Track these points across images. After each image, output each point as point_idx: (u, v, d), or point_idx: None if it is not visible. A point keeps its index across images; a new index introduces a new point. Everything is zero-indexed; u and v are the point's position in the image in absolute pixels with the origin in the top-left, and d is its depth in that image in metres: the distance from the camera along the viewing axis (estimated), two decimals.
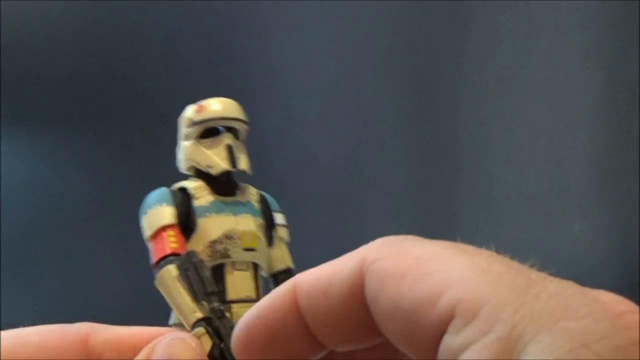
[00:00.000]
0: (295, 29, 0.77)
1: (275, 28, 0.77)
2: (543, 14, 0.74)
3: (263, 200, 0.34)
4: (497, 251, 0.22)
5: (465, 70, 0.76)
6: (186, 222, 0.32)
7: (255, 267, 0.32)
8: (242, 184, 0.34)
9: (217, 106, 0.33)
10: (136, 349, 0.26)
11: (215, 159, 0.32)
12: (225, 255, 0.31)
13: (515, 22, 0.75)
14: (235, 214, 0.32)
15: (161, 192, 0.34)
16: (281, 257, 0.33)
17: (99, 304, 0.78)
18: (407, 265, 0.20)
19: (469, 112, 0.77)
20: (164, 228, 0.32)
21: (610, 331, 0.17)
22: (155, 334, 0.27)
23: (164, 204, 0.33)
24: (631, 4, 0.72)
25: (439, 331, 0.19)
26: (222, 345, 0.28)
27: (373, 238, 0.23)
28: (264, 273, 0.33)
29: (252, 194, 0.34)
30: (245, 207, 0.33)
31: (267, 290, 0.33)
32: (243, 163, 0.33)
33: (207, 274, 0.30)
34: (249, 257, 0.32)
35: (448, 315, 0.18)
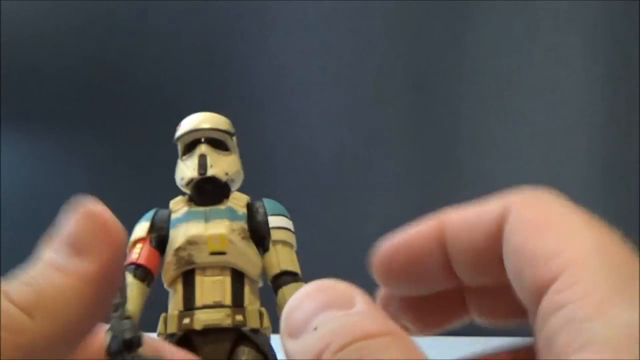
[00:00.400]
0: (296, 29, 0.77)
1: (276, 28, 0.77)
2: (543, 14, 0.74)
3: (253, 205, 0.34)
4: None
5: (465, 70, 0.76)
6: (166, 236, 0.33)
7: (235, 272, 0.32)
8: (237, 193, 0.34)
9: (189, 120, 0.35)
10: None
11: (186, 170, 0.33)
12: (190, 261, 0.32)
13: (515, 22, 0.75)
14: (207, 220, 0.33)
15: (151, 211, 0.35)
16: (276, 260, 0.32)
17: None
18: (543, 218, 0.23)
19: (469, 111, 0.77)
20: (135, 241, 0.33)
21: None
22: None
23: (144, 220, 0.34)
24: (631, 4, 0.72)
25: (544, 286, 0.21)
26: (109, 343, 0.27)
27: (373, 236, 0.24)
28: (255, 278, 0.33)
29: (240, 199, 0.34)
30: (222, 212, 0.33)
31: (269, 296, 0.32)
32: (215, 169, 0.33)
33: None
34: (217, 261, 0.32)
35: (555, 275, 0.21)
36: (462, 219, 0.26)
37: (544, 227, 0.23)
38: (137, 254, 0.33)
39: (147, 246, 0.33)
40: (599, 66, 0.74)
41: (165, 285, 0.33)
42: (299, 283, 0.32)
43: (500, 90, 0.76)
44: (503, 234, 0.24)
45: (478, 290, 0.26)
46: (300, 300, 0.22)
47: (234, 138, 0.34)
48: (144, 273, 0.33)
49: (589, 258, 0.22)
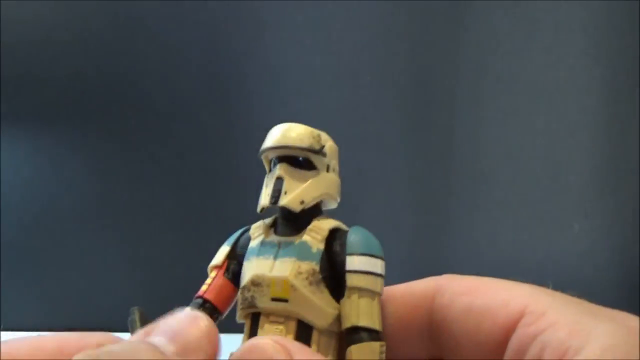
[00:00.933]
0: (295, 29, 0.77)
1: (275, 28, 0.77)
2: (543, 14, 0.74)
3: (334, 238, 0.28)
4: (498, 251, 0.26)
5: (465, 70, 0.76)
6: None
7: (302, 321, 0.27)
8: (321, 220, 0.29)
9: (272, 133, 0.29)
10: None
11: (262, 194, 0.29)
12: (252, 304, 0.27)
13: (515, 22, 0.75)
14: (276, 257, 0.28)
15: (239, 231, 0.30)
16: (348, 312, 0.27)
17: (99, 304, 0.78)
18: (476, 284, 0.25)
19: (469, 112, 0.77)
20: (211, 268, 0.30)
21: None
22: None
23: (226, 244, 0.30)
24: (631, 4, 0.72)
25: (510, 327, 0.23)
26: None
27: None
28: (325, 329, 0.27)
29: (320, 229, 0.28)
30: (293, 248, 0.28)
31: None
32: (288, 197, 0.28)
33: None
34: (278, 309, 0.27)
35: (518, 314, 0.23)
36: (393, 295, 0.27)
37: (483, 288, 0.25)
38: (207, 284, 0.29)
39: (219, 277, 0.29)
40: (599, 66, 0.74)
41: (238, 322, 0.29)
42: (371, 343, 0.26)
43: (500, 91, 0.76)
44: (434, 309, 0.26)
45: None
46: None
47: (327, 151, 0.29)
48: (210, 310, 0.29)
49: (540, 296, 0.23)
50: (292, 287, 0.27)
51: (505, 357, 0.23)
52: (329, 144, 0.29)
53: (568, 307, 0.22)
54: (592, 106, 0.75)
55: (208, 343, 0.23)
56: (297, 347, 0.25)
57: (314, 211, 0.29)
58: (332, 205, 0.30)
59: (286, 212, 0.28)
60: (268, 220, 0.29)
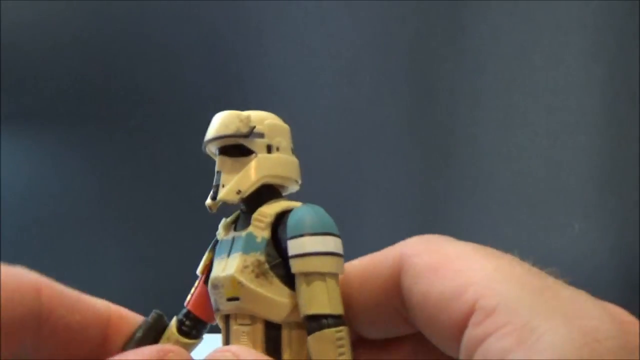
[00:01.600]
0: (295, 28, 0.77)
1: (275, 28, 0.77)
2: (543, 14, 0.74)
3: (278, 225, 0.26)
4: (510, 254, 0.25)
5: (465, 70, 0.76)
6: None
7: (268, 322, 0.25)
8: (267, 206, 0.26)
9: (209, 129, 0.28)
10: (87, 313, 0.26)
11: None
12: (217, 308, 0.26)
13: (515, 22, 0.75)
14: (229, 254, 0.26)
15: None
16: (300, 301, 0.25)
17: None
18: (439, 262, 0.23)
19: (469, 111, 0.77)
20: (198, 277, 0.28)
21: (618, 333, 0.19)
22: (103, 306, 0.27)
23: (208, 249, 0.28)
24: (631, 4, 0.72)
25: (462, 322, 0.21)
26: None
27: (372, 238, 0.24)
28: (284, 322, 0.25)
29: (265, 216, 0.26)
30: (240, 242, 0.26)
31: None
32: (225, 191, 0.26)
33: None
34: (236, 309, 0.25)
35: (470, 309, 0.21)
36: (353, 274, 0.26)
37: (443, 269, 0.23)
38: (191, 294, 0.28)
39: (201, 284, 0.28)
40: (599, 66, 0.74)
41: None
42: (324, 331, 0.24)
43: (501, 91, 0.76)
44: (401, 283, 0.24)
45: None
46: None
47: (264, 130, 0.27)
48: (194, 321, 0.28)
49: (497, 284, 0.21)
50: (240, 284, 0.25)
51: (459, 356, 0.22)
52: (267, 122, 0.27)
53: (522, 301, 0.20)
54: (592, 106, 0.75)
55: None
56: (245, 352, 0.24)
57: (266, 198, 0.27)
58: (293, 186, 0.28)
59: (241, 205, 0.27)
60: (230, 218, 0.28)
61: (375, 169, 0.78)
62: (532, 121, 0.76)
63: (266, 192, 0.27)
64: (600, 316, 0.20)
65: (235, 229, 0.27)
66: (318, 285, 0.24)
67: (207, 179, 0.27)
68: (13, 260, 0.25)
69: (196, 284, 0.28)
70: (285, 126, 0.28)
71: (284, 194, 0.28)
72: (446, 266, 0.23)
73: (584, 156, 0.76)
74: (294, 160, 0.28)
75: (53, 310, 0.26)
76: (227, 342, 0.26)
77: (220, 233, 0.27)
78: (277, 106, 0.86)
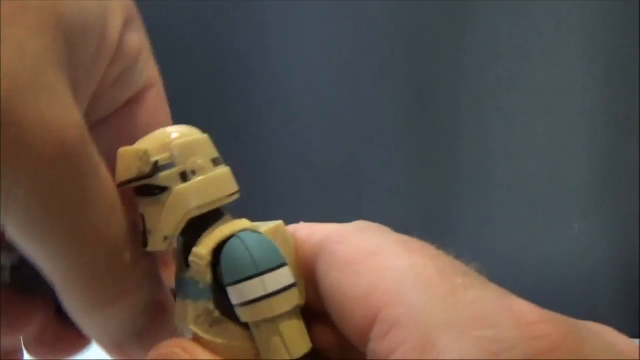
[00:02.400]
0: (295, 28, 0.77)
1: (275, 27, 0.77)
2: (543, 14, 0.74)
3: (217, 263, 0.23)
4: (498, 251, 0.24)
5: (465, 70, 0.76)
6: None
7: None
8: (207, 236, 0.23)
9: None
10: None
11: None
12: None
13: (515, 22, 0.75)
14: (184, 298, 0.23)
15: None
16: (261, 351, 0.22)
17: None
18: (355, 256, 0.22)
19: (469, 111, 0.77)
20: None
21: (519, 340, 0.18)
22: None
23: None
24: (631, 4, 0.72)
25: (366, 330, 0.20)
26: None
27: None
28: None
29: (201, 258, 0.23)
30: (187, 286, 0.23)
31: None
32: (152, 239, 0.23)
33: None
34: None
35: (373, 318, 0.20)
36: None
37: (357, 264, 0.21)
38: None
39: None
40: (599, 66, 0.74)
41: None
42: None
43: (501, 91, 0.76)
44: (317, 267, 0.23)
45: None
46: None
47: (176, 154, 0.23)
48: None
49: (403, 288, 0.20)
50: (199, 338, 0.23)
51: None
52: (174, 144, 0.23)
53: (425, 310, 0.19)
54: (592, 106, 0.75)
55: None
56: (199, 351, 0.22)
57: (205, 225, 0.23)
58: (229, 200, 0.24)
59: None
60: (179, 249, 0.24)
61: (375, 169, 0.78)
62: (532, 121, 0.76)
63: (200, 222, 0.23)
64: (501, 322, 0.18)
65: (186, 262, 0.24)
66: (271, 332, 0.22)
67: None
68: None
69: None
70: (200, 137, 0.24)
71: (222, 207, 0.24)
72: (361, 261, 0.21)
73: (584, 156, 0.76)
74: (219, 174, 0.24)
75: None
76: None
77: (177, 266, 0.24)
78: (277, 105, 0.86)
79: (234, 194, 0.24)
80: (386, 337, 0.19)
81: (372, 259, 0.21)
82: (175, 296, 0.24)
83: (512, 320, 0.18)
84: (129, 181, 0.23)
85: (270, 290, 0.22)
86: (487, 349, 0.18)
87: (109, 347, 0.24)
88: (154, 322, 0.24)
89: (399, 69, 0.77)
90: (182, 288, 0.23)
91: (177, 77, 0.79)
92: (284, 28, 0.77)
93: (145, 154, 0.23)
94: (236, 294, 0.22)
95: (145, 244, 0.23)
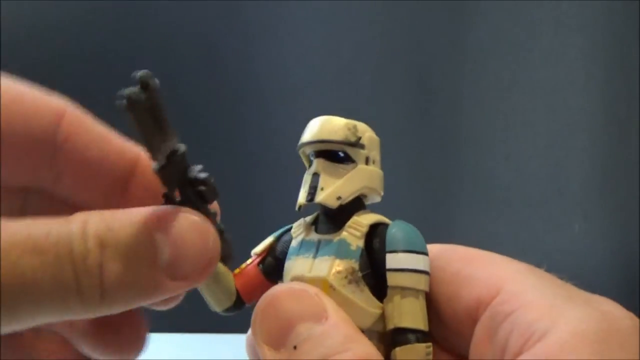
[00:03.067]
0: (296, 28, 0.77)
1: (275, 27, 0.77)
2: (543, 14, 0.74)
3: (374, 234, 0.27)
4: (498, 251, 0.26)
5: (466, 70, 0.76)
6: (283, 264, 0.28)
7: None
8: (362, 215, 0.27)
9: (307, 130, 0.28)
10: (109, 152, 0.25)
11: (301, 192, 0.28)
12: None
13: (515, 22, 0.75)
14: (315, 256, 0.26)
15: (285, 227, 0.29)
16: (391, 313, 0.25)
17: None
18: (472, 255, 0.26)
19: (469, 112, 0.77)
20: (253, 254, 0.29)
21: (631, 320, 0.22)
22: (132, 152, 0.26)
23: (272, 236, 0.29)
24: (631, 4, 0.72)
25: (483, 300, 0.23)
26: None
27: None
28: (369, 328, 0.25)
29: (360, 225, 0.27)
30: (331, 246, 0.26)
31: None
32: (324, 194, 0.27)
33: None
34: None
35: (495, 290, 0.23)
36: None
37: (474, 259, 0.25)
38: (240, 268, 0.28)
39: (254, 265, 0.28)
40: (599, 66, 0.74)
41: None
42: (416, 345, 0.25)
43: (501, 91, 0.76)
44: (432, 270, 0.26)
45: None
46: (274, 306, 0.23)
47: (365, 142, 0.28)
48: (237, 298, 0.28)
49: (523, 276, 0.23)
50: (331, 287, 0.25)
51: (475, 331, 0.23)
52: (367, 134, 0.28)
53: (546, 289, 0.22)
54: (592, 106, 0.75)
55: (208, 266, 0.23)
56: (334, 311, 0.24)
57: (355, 206, 0.27)
58: (376, 198, 0.29)
59: (326, 209, 0.27)
60: (309, 218, 0.28)
61: None
62: (532, 121, 0.76)
63: (356, 202, 0.27)
64: (615, 305, 0.22)
65: (316, 231, 0.27)
66: (412, 301, 0.25)
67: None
68: None
69: (250, 261, 0.28)
70: (378, 139, 0.29)
71: (366, 203, 0.29)
72: (477, 258, 0.25)
73: (584, 156, 0.76)
74: (382, 173, 0.29)
75: (70, 138, 0.24)
76: None
77: (300, 232, 0.28)
78: (277, 106, 0.86)
79: (381, 196, 0.29)
80: (510, 300, 0.22)
81: (485, 258, 0.25)
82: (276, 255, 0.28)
83: (621, 309, 0.22)
84: (333, 141, 0.27)
85: (424, 268, 0.26)
86: (607, 314, 0.21)
87: None
88: None
89: (400, 69, 0.77)
90: (315, 247, 0.27)
91: (176, 77, 0.79)
92: (284, 28, 0.77)
93: (355, 127, 0.28)
94: (396, 261, 0.26)
95: (311, 198, 0.27)
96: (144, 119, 0.24)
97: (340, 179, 0.27)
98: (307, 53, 0.77)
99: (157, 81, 0.24)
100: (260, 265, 0.28)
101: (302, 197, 0.27)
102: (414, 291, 0.25)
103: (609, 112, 0.75)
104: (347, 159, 0.27)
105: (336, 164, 0.27)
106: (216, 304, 0.28)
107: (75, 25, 0.80)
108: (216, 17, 0.78)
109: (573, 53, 0.74)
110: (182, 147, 0.24)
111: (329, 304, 0.24)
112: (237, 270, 0.28)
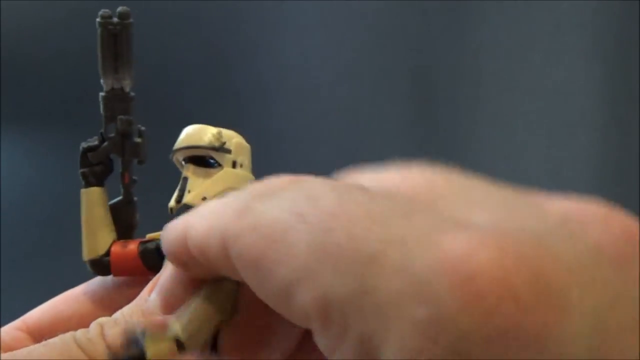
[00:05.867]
0: (296, 28, 0.77)
1: (276, 27, 0.77)
2: (543, 14, 0.74)
3: None
4: None
5: (465, 70, 0.76)
6: None
7: None
8: None
9: (179, 138, 0.32)
10: None
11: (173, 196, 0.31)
12: None
13: (515, 22, 0.75)
14: None
15: None
16: None
17: None
18: (260, 248, 0.19)
19: (469, 111, 0.77)
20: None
21: None
22: None
23: None
24: (631, 4, 0.72)
25: (303, 324, 0.19)
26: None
27: None
28: None
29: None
30: None
31: None
32: (191, 195, 0.30)
33: None
34: None
35: (305, 316, 0.19)
36: (195, 241, 0.24)
37: (266, 259, 0.20)
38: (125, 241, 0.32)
39: (135, 245, 0.32)
40: (599, 66, 0.74)
41: None
42: None
43: (500, 90, 0.76)
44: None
45: None
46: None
47: (231, 147, 0.30)
48: None
49: (322, 279, 0.19)
50: None
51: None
52: (234, 140, 0.30)
53: (350, 301, 0.18)
54: (592, 106, 0.75)
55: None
56: None
57: None
58: None
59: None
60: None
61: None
62: (532, 121, 0.76)
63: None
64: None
65: None
66: None
67: None
68: (13, 259, 0.25)
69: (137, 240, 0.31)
70: (248, 146, 0.31)
71: None
72: (267, 256, 0.20)
73: (584, 156, 0.76)
74: (250, 176, 0.31)
75: None
76: None
77: None
78: (277, 105, 0.86)
79: None
80: (324, 333, 0.18)
81: (275, 248, 0.19)
82: None
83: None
84: (198, 147, 0.30)
85: None
86: (425, 335, 0.17)
87: None
88: None
89: (399, 68, 0.77)
90: None
91: (176, 79, 0.79)
92: (285, 28, 0.77)
93: (219, 132, 0.30)
94: None
95: (180, 200, 0.30)
96: (107, 41, 0.29)
97: (210, 180, 0.30)
98: (307, 53, 0.77)
99: (132, 22, 0.29)
100: (141, 247, 0.31)
101: (172, 200, 0.30)
102: None
103: (609, 112, 0.75)
104: (213, 164, 0.30)
105: (205, 169, 0.30)
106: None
107: (75, 25, 0.80)
108: (216, 17, 0.78)
109: (573, 53, 0.74)
110: (127, 87, 0.30)
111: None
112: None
